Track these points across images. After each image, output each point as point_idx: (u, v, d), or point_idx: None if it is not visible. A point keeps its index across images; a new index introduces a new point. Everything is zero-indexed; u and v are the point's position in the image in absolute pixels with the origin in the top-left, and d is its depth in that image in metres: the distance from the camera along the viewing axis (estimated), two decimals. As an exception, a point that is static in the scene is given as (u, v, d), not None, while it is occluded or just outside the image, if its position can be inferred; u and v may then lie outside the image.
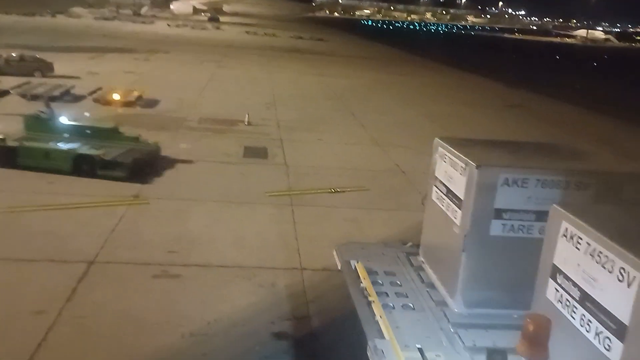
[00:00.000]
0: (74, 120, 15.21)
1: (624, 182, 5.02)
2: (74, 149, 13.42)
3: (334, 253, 6.98)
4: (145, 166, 13.61)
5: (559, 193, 5.13)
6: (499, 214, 5.29)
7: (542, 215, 5.14)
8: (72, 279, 8.45)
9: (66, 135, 14.25)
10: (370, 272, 6.18)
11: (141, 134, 16.20)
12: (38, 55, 27.70)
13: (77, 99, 21.60)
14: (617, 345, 3.37)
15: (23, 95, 20.96)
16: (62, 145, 13.57)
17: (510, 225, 5.31)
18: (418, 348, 4.74)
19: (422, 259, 6.48)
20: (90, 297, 8.07)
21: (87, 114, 18.42)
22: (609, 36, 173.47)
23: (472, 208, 5.30)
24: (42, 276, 8.53)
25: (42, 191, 11.89)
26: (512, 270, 5.36)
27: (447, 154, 5.89)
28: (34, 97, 20.68)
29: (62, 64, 28.03)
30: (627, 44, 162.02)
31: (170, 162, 14.58)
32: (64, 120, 14.84)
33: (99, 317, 7.58)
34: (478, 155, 5.48)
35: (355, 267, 6.40)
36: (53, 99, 20.76)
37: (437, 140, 6.23)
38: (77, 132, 14.50)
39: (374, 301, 5.56)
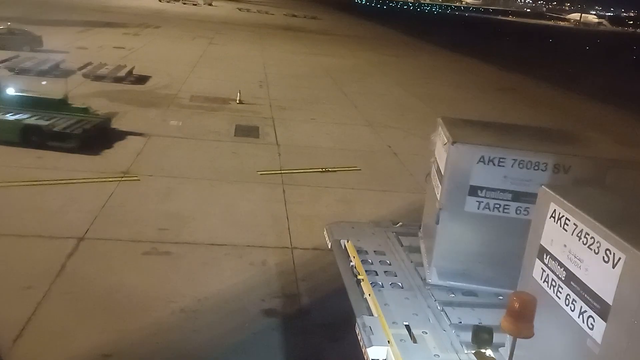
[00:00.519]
0: (22, 91, 15.01)
1: (607, 168, 4.99)
2: (22, 119, 13.21)
3: (324, 232, 7.02)
4: (95, 137, 13.53)
5: (537, 175, 5.12)
6: (474, 191, 5.34)
7: (518, 196, 5.21)
8: (62, 254, 8.45)
9: (14, 106, 14.00)
10: (360, 251, 6.23)
11: (130, 111, 16.13)
12: (26, 28, 27.24)
13: (66, 73, 21.31)
14: (600, 324, 3.44)
15: (11, 69, 20.67)
16: (10, 116, 13.33)
17: (486, 203, 5.35)
18: (405, 325, 4.82)
19: (421, 235, 6.59)
20: (80, 272, 8.08)
21: (44, 82, 18.17)
22: (602, 20, 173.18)
23: (447, 183, 5.42)
24: (31, 251, 8.52)
25: (31, 166, 11.80)
26: (488, 247, 5.43)
27: (441, 132, 5.94)
28: (23, 71, 20.41)
29: (50, 38, 27.57)
30: (620, 28, 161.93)
31: (122, 135, 14.51)
32: (11, 91, 14.61)
33: (88, 293, 7.60)
34: (459, 133, 5.50)
35: (345, 246, 6.45)
36: (42, 73, 20.53)
37: (439, 119, 6.24)
38: (26, 103, 14.26)
39: (363, 279, 5.62)
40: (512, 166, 5.18)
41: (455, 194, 5.40)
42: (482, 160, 5.23)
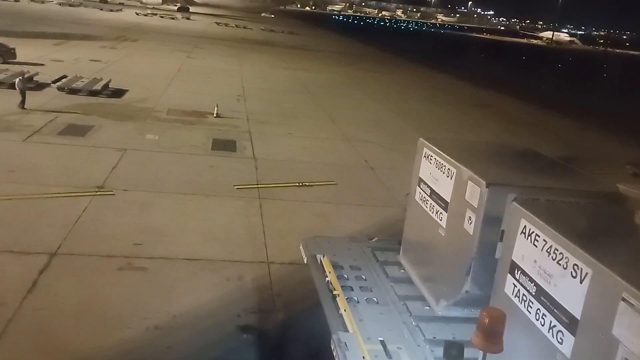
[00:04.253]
0: None
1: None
2: None
3: (300, 247, 7.04)
4: None
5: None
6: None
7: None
8: (33, 270, 8.29)
9: None
10: (336, 266, 6.27)
11: (106, 124, 15.96)
12: (0, 40, 26.86)
13: (41, 86, 21.05)
14: (569, 338, 3.52)
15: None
16: None
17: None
18: (380, 340, 4.85)
19: None
20: (52, 289, 7.93)
21: None
22: (574, 39, 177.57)
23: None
24: (2, 268, 8.33)
25: (2, 180, 11.59)
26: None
27: None
28: (-4, 84, 20.09)
29: (25, 50, 27.25)
30: (591, 46, 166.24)
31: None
32: None
33: (61, 310, 7.47)
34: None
35: (321, 261, 6.48)
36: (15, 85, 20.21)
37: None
38: None
39: (338, 295, 5.65)
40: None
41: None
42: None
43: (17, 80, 17.30)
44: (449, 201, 5.53)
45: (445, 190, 5.63)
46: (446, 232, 5.55)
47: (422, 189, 6.24)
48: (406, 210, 6.91)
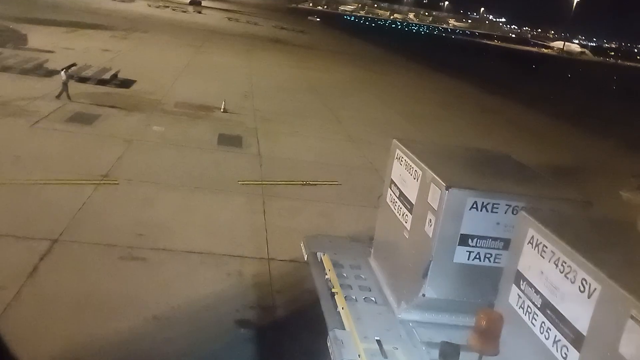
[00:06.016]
0: None
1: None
2: None
3: (302, 244, 7.02)
4: None
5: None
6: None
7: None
8: (35, 256, 8.27)
9: None
10: (336, 265, 6.26)
11: (113, 114, 15.95)
12: (11, 26, 26.92)
13: (50, 73, 21.05)
14: (574, 354, 3.45)
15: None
16: None
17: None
18: (376, 340, 4.82)
19: None
20: (52, 275, 7.91)
21: None
22: (585, 50, 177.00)
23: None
24: (2, 251, 8.33)
25: (7, 164, 11.59)
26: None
27: None
28: (5, 69, 20.11)
29: (36, 37, 27.31)
30: (602, 58, 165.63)
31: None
32: None
33: (59, 296, 7.44)
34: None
35: (321, 259, 6.46)
36: (25, 71, 20.26)
37: None
38: None
39: (337, 293, 5.62)
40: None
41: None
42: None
43: (62, 72, 17.55)
44: (414, 203, 5.52)
45: (412, 192, 5.65)
46: (409, 235, 5.55)
47: (392, 190, 6.24)
48: (378, 212, 6.93)
